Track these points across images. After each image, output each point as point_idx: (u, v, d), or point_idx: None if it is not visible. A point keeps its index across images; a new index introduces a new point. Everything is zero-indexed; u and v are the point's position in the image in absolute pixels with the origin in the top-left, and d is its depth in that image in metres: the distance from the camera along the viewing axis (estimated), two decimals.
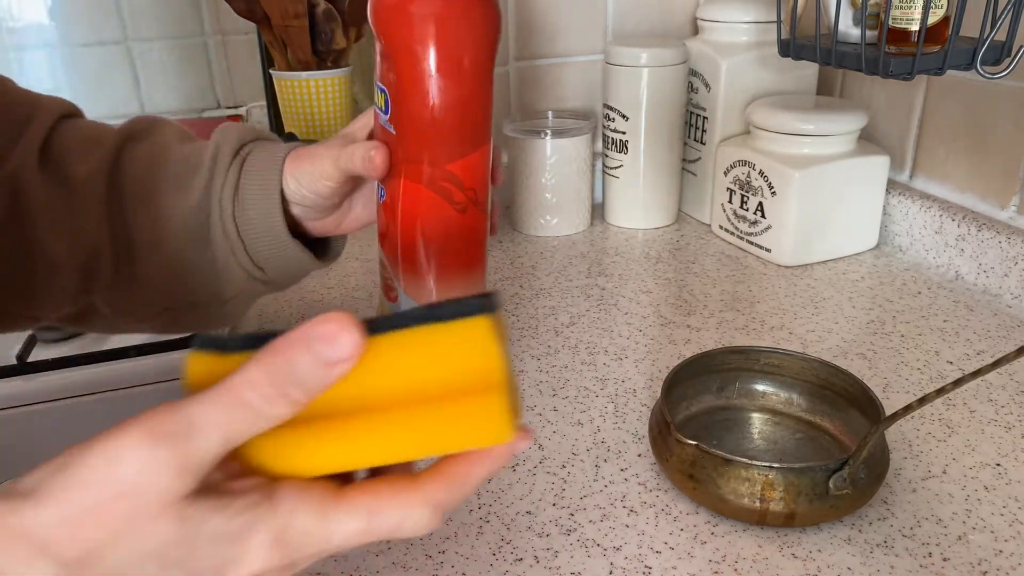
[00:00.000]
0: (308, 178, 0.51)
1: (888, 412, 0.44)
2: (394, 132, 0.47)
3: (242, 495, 0.25)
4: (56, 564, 0.23)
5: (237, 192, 0.50)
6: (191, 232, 0.50)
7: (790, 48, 0.66)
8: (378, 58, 0.48)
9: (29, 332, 0.85)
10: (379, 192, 0.51)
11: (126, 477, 0.23)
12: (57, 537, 0.23)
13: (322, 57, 1.06)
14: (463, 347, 0.26)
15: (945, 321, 0.68)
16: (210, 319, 0.55)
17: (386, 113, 0.47)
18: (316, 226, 0.54)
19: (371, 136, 0.52)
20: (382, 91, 0.47)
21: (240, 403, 0.24)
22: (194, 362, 0.27)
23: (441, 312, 0.26)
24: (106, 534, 0.23)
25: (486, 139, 0.49)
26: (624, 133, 0.86)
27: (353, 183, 0.52)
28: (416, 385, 0.26)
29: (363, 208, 0.55)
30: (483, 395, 0.26)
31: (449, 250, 0.51)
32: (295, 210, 0.52)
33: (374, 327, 0.26)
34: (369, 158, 0.48)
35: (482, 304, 0.26)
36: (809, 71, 0.87)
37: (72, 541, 0.23)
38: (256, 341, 0.26)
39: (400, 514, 0.27)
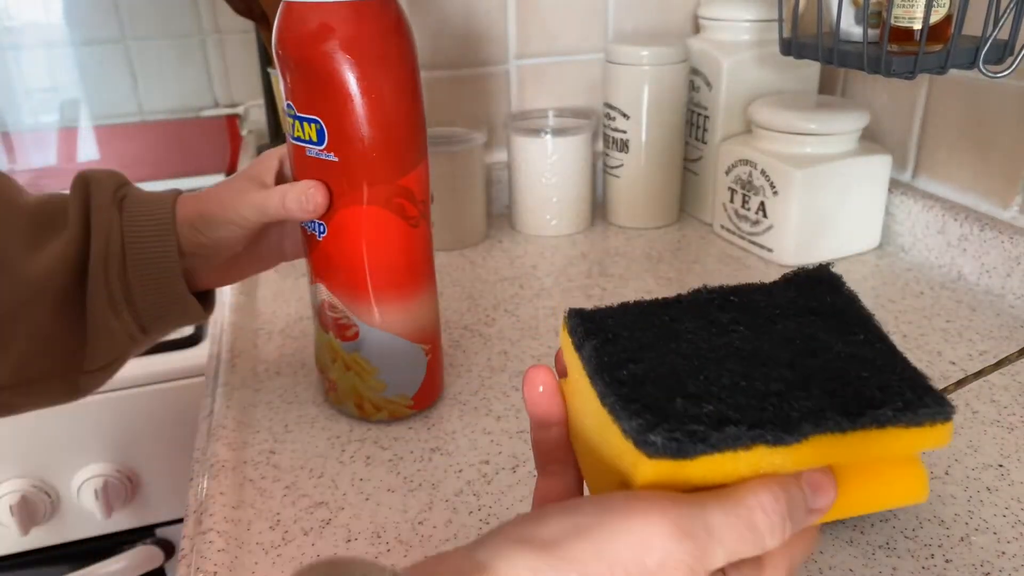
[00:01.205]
0: (212, 225, 0.47)
1: None
2: (336, 160, 0.47)
3: None
4: None
5: (124, 246, 0.45)
6: (51, 296, 0.44)
7: (791, 47, 0.66)
8: (296, 90, 0.47)
9: None
10: (316, 230, 0.50)
11: (647, 564, 0.23)
12: None
13: None
14: (923, 442, 0.27)
15: (948, 321, 0.67)
16: (61, 394, 0.48)
17: (320, 144, 0.47)
18: (203, 278, 0.50)
19: (281, 174, 0.51)
20: (312, 122, 0.46)
21: (751, 525, 0.25)
22: (649, 469, 0.25)
23: (916, 416, 0.27)
24: None
25: (426, 149, 0.50)
26: (625, 132, 0.86)
27: (264, 229, 0.50)
28: (868, 459, 0.28)
29: (248, 257, 0.52)
30: (910, 464, 0.29)
31: (409, 268, 0.51)
32: (186, 262, 0.47)
33: (873, 421, 0.26)
34: (308, 198, 0.46)
35: (948, 408, 0.27)
36: (811, 70, 0.86)
37: None
38: (713, 443, 0.25)
39: (806, 548, 0.28)
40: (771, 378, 0.27)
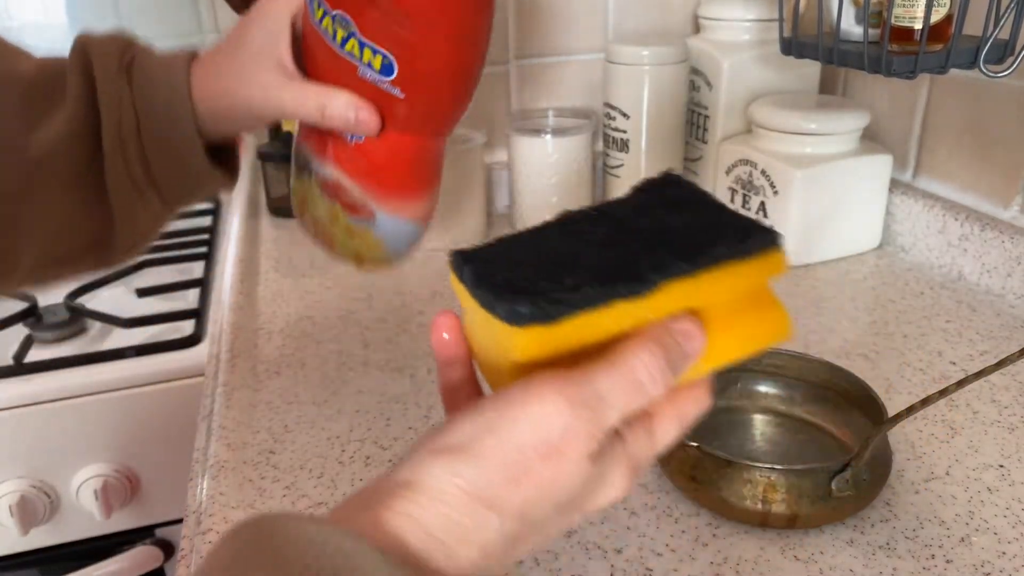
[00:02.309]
0: (229, 120, 0.44)
1: (891, 413, 0.44)
2: (402, 97, 0.45)
3: (606, 441, 0.28)
4: (501, 518, 0.26)
5: (138, 123, 0.43)
6: (59, 176, 0.42)
7: (792, 46, 0.66)
8: (371, 14, 0.44)
9: (26, 333, 0.85)
10: (348, 136, 0.48)
11: (551, 439, 0.26)
12: (502, 495, 0.26)
13: None
14: (763, 271, 0.31)
15: (948, 321, 0.67)
16: (93, 268, 0.47)
17: (386, 75, 0.44)
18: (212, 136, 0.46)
19: (305, 62, 0.46)
20: (378, 52, 0.44)
21: (634, 381, 0.27)
22: (523, 339, 0.28)
23: (747, 248, 0.30)
24: (536, 491, 0.26)
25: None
26: (625, 132, 0.86)
27: None
28: (731, 301, 0.31)
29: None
30: (769, 304, 0.33)
31: (435, 178, 0.52)
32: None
33: (711, 259, 0.30)
34: (357, 120, 0.44)
35: (776, 236, 0.31)
36: (811, 70, 0.86)
37: (513, 498, 0.26)
38: (573, 304, 0.28)
39: (697, 407, 0.31)
40: (624, 252, 0.30)
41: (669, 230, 0.31)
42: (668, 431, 0.30)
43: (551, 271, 0.29)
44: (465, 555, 0.26)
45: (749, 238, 0.30)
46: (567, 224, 0.33)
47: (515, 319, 0.28)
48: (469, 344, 0.33)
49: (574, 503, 0.28)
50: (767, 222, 0.31)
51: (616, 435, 0.29)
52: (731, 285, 0.30)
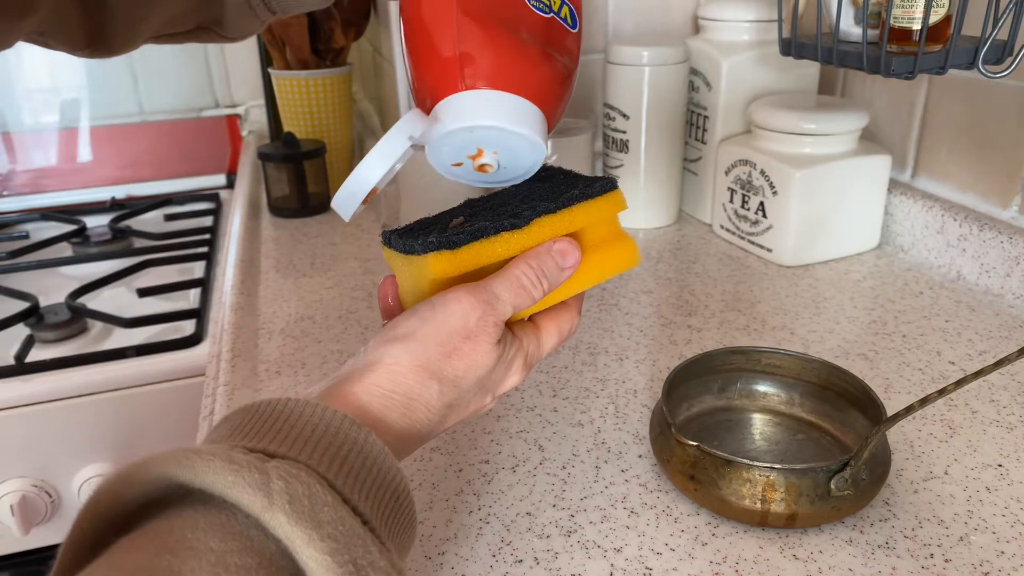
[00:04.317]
0: None
1: (890, 413, 0.44)
2: (575, 31, 0.44)
3: (504, 335, 0.38)
4: (440, 384, 0.36)
5: None
6: None
7: (791, 47, 0.66)
8: None
9: (27, 333, 0.85)
10: None
11: (469, 326, 0.36)
12: (440, 367, 0.36)
13: (321, 56, 1.06)
14: (608, 207, 0.41)
15: (947, 321, 0.67)
16: (206, 41, 0.53)
17: (574, 27, 0.44)
18: None
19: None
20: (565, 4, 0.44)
21: (519, 285, 0.38)
22: (435, 260, 0.37)
23: (593, 191, 0.40)
24: (463, 364, 0.36)
25: None
26: (625, 132, 0.86)
27: None
28: (585, 235, 0.41)
29: None
30: (621, 239, 0.42)
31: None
32: None
33: (567, 200, 0.40)
34: None
35: (614, 181, 0.41)
36: (810, 70, 0.86)
37: (448, 369, 0.36)
38: (471, 235, 0.38)
39: (571, 324, 0.42)
40: (508, 207, 0.40)
41: (540, 190, 0.42)
42: (551, 338, 0.41)
43: (455, 226, 0.40)
44: (415, 411, 0.35)
45: (593, 184, 0.41)
46: (467, 203, 0.43)
47: (427, 248, 0.37)
48: (402, 300, 0.42)
49: (489, 380, 0.38)
50: (615, 176, 0.40)
51: (513, 335, 0.39)
52: (585, 217, 0.40)
